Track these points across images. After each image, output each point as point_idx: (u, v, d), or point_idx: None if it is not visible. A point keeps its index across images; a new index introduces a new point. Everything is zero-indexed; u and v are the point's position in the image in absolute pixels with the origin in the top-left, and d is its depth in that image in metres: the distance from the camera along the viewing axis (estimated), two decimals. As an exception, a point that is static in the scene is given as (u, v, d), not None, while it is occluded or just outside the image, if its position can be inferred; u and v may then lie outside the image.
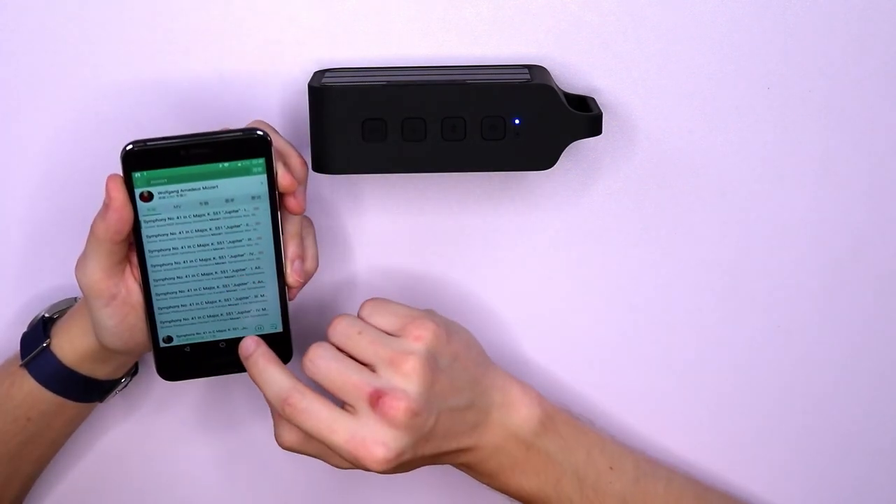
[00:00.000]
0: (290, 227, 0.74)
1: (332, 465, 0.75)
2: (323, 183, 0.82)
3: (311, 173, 0.76)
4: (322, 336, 0.85)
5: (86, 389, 0.78)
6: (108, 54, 0.79)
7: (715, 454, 0.88)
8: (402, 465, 0.73)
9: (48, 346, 0.77)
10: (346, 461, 0.73)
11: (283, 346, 0.76)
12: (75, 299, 0.81)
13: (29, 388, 0.77)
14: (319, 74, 0.77)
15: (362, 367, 0.73)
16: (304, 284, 0.75)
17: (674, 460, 0.87)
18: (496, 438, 0.78)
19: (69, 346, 0.77)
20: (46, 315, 0.80)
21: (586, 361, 0.86)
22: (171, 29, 0.79)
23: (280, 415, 0.73)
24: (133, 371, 0.83)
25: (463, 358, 0.77)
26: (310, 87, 0.75)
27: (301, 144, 0.80)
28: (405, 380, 0.72)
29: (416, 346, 0.73)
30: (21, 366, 0.77)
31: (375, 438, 0.71)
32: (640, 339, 0.86)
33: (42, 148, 0.81)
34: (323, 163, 0.75)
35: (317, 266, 0.76)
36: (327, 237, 0.83)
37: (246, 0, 0.78)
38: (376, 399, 0.71)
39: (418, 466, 0.76)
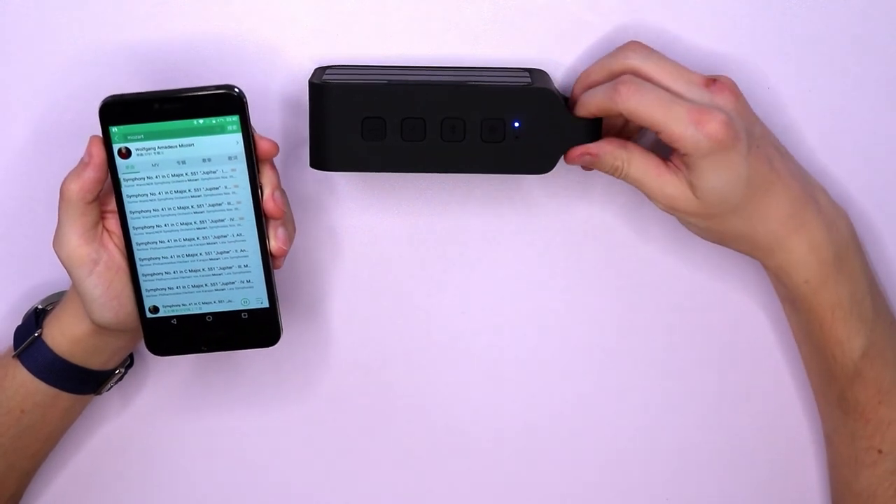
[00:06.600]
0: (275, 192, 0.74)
1: (651, 195, 0.74)
2: (321, 181, 0.82)
3: (310, 170, 0.76)
4: (322, 343, 0.85)
5: (79, 380, 0.79)
6: (106, 55, 0.79)
7: (714, 454, 0.88)
8: (744, 147, 0.71)
9: (40, 335, 0.78)
10: (685, 137, 0.70)
11: (269, 324, 0.76)
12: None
13: (22, 380, 0.78)
14: (320, 71, 0.77)
15: None
16: (287, 252, 0.75)
17: (672, 460, 0.88)
18: (819, 231, 0.75)
19: (60, 334, 0.77)
20: (39, 307, 0.81)
21: (586, 362, 0.86)
22: (171, 28, 0.79)
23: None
24: (128, 363, 0.83)
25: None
26: (310, 83, 0.75)
27: (300, 141, 0.80)
28: (730, 92, 0.72)
29: (726, 81, 0.73)
30: (14, 356, 0.78)
31: (715, 107, 0.71)
32: (639, 340, 0.86)
33: (37, 144, 0.81)
34: (321, 159, 0.75)
35: (295, 230, 0.77)
36: (325, 236, 0.83)
37: (246, -2, 0.79)
38: (712, 81, 0.72)
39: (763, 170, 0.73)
